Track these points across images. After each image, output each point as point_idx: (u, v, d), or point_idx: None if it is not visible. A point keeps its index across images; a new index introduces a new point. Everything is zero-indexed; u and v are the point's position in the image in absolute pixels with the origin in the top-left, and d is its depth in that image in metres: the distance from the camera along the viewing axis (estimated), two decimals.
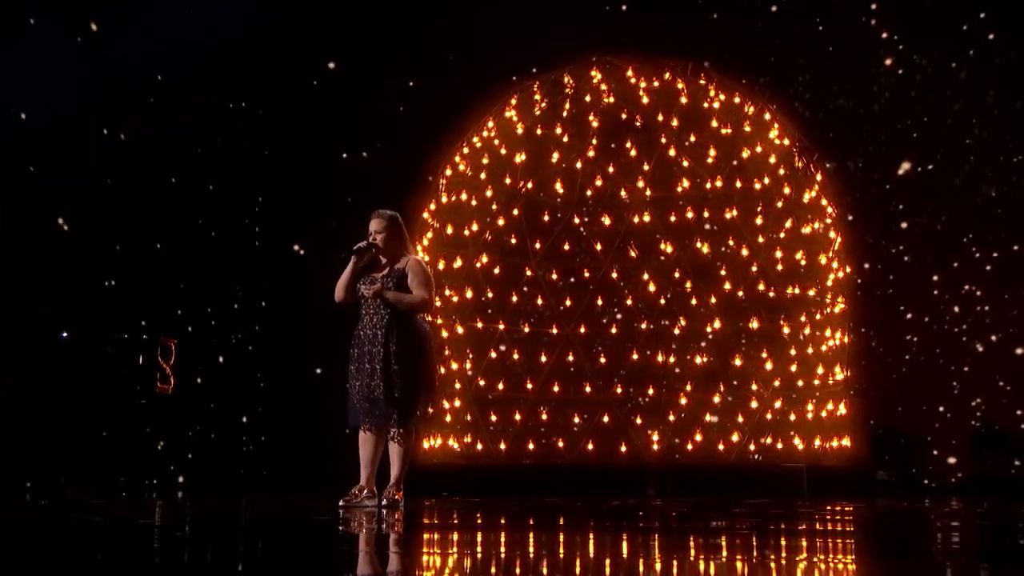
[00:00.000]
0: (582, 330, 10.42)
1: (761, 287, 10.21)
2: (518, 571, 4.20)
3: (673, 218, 10.35)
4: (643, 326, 10.33)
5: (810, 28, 11.44)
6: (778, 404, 10.04)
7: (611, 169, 10.53)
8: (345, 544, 5.16)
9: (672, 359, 10.21)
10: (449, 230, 10.59)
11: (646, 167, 10.43)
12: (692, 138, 10.45)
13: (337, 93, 11.34)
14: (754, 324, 10.14)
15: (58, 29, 10.48)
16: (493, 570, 4.21)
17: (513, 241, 10.56)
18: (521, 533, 5.80)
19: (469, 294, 10.47)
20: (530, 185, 10.61)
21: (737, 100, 10.65)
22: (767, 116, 10.63)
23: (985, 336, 11.08)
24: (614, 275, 10.39)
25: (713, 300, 10.18)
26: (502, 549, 4.95)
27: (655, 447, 10.09)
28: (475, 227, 10.59)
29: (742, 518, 6.66)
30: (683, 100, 10.53)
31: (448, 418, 10.29)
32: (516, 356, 10.43)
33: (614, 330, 10.45)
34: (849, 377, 10.21)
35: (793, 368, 10.11)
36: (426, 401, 7.38)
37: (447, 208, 10.68)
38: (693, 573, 4.13)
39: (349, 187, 11.04)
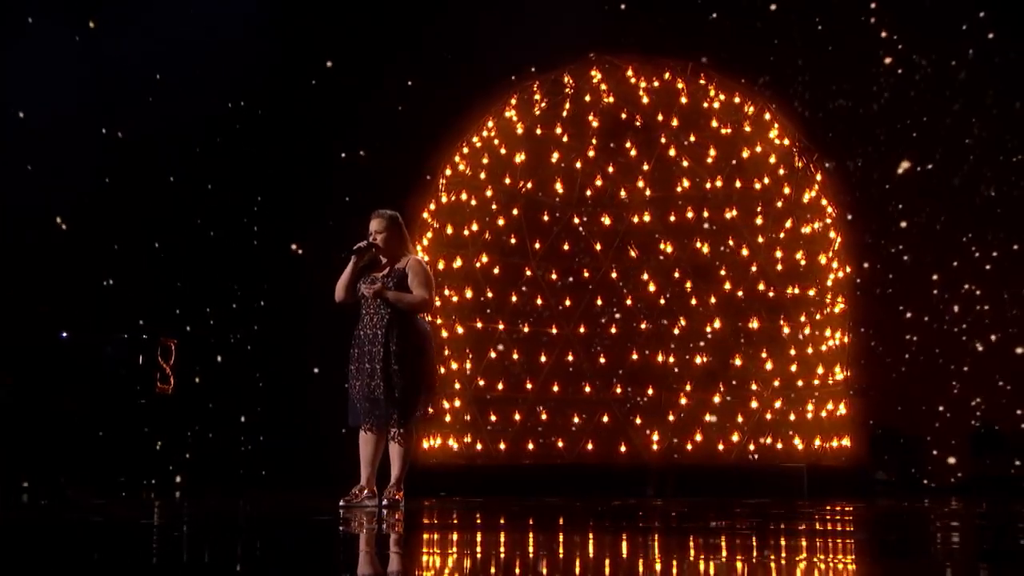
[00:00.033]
0: (582, 330, 10.42)
1: (761, 287, 10.21)
2: (517, 571, 4.20)
3: (673, 218, 10.35)
4: (643, 326, 10.33)
5: (809, 28, 11.44)
6: (778, 404, 10.05)
7: (611, 169, 10.52)
8: (346, 544, 5.16)
9: (672, 359, 10.21)
10: (449, 230, 10.59)
11: (646, 167, 10.43)
12: (692, 138, 10.45)
13: (337, 93, 11.34)
14: (754, 324, 10.15)
15: (58, 29, 10.48)
16: (493, 570, 4.22)
17: (513, 241, 10.55)
18: (520, 533, 5.80)
19: (469, 294, 10.47)
20: (530, 185, 10.61)
21: (737, 100, 10.66)
22: (767, 116, 10.63)
23: (985, 336, 11.08)
24: (614, 275, 10.39)
25: (713, 300, 10.18)
26: (501, 549, 4.95)
27: (655, 447, 10.09)
28: (475, 227, 10.59)
29: (742, 518, 6.66)
30: (683, 100, 10.54)
31: (448, 418, 10.28)
32: (515, 356, 10.43)
33: (614, 330, 10.45)
34: (849, 377, 10.22)
35: (793, 368, 10.12)
36: (426, 401, 7.37)
37: (447, 208, 10.68)
38: (693, 573, 4.14)
39: (349, 187, 11.05)
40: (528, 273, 10.47)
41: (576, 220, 10.54)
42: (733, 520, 6.49)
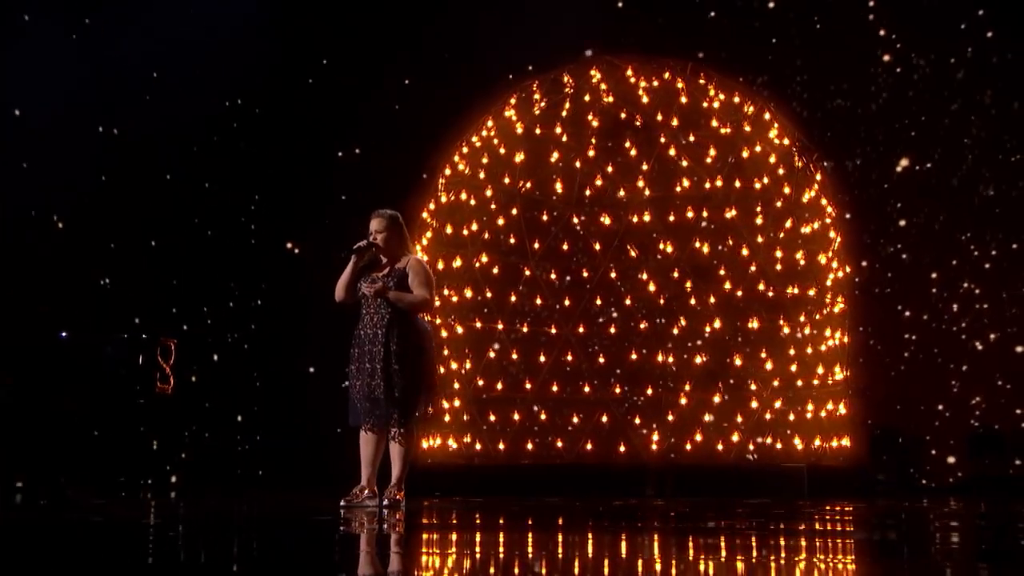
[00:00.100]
0: (581, 330, 10.42)
1: (761, 287, 10.22)
2: (517, 571, 4.20)
3: (672, 218, 10.35)
4: (642, 326, 10.33)
5: (808, 27, 11.45)
6: (778, 404, 10.05)
7: (610, 169, 10.53)
8: (346, 544, 5.16)
9: (671, 359, 10.21)
10: (448, 230, 10.60)
11: (645, 167, 10.43)
12: (692, 138, 10.46)
13: (337, 93, 11.34)
14: (754, 324, 10.15)
15: (57, 29, 10.48)
16: (492, 570, 4.22)
17: (512, 241, 10.55)
18: (520, 533, 5.81)
19: (468, 294, 10.47)
20: (529, 185, 10.61)
21: (737, 100, 10.66)
22: (767, 116, 10.64)
23: (984, 335, 11.09)
24: (613, 275, 10.39)
25: (712, 300, 10.18)
26: (501, 549, 4.96)
27: (654, 447, 10.09)
28: (474, 227, 10.59)
29: (742, 518, 6.67)
30: (683, 100, 10.54)
31: (447, 418, 10.28)
32: (515, 356, 10.43)
33: (613, 330, 10.45)
34: (848, 377, 10.22)
35: (793, 368, 10.12)
36: (426, 401, 7.37)
37: (446, 208, 10.68)
38: (693, 573, 4.14)
39: (349, 187, 11.06)
40: (527, 273, 10.47)
41: (575, 220, 10.54)
42: (733, 520, 6.49)
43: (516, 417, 10.34)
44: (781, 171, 10.43)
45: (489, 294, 10.47)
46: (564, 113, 10.69)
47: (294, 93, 11.48)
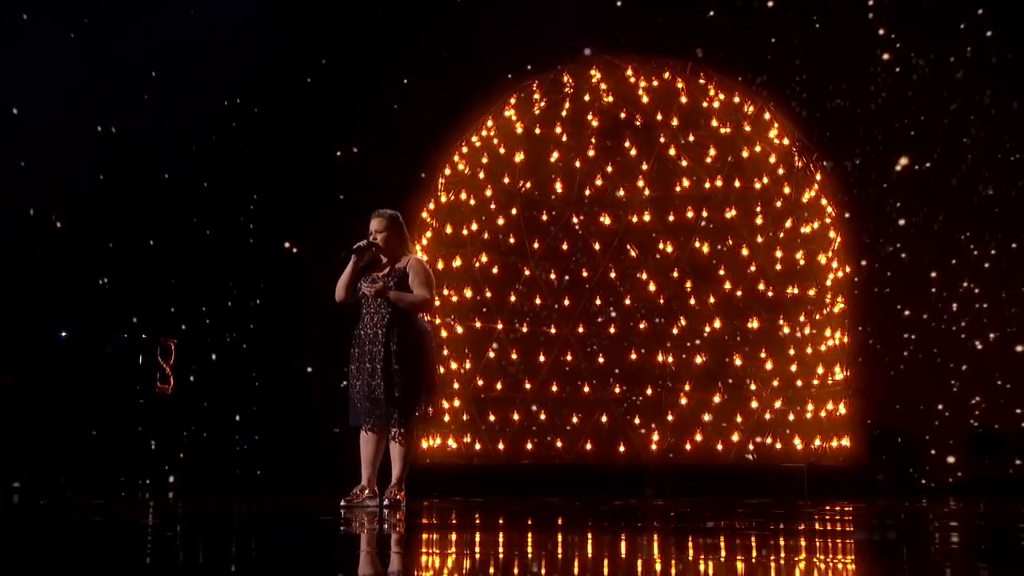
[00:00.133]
0: (580, 330, 10.42)
1: (760, 287, 10.22)
2: (516, 572, 4.20)
3: (672, 217, 10.35)
4: (642, 326, 10.33)
5: (807, 27, 11.45)
6: (778, 404, 10.05)
7: (610, 168, 10.53)
8: (347, 544, 5.16)
9: (671, 359, 10.21)
10: (448, 229, 10.60)
11: (645, 166, 10.44)
12: (691, 137, 10.46)
13: (337, 93, 11.34)
14: (753, 324, 10.15)
15: (57, 28, 10.47)
16: (492, 570, 4.22)
17: (512, 240, 10.55)
18: (520, 533, 5.81)
19: (468, 293, 10.47)
20: (529, 184, 10.61)
21: (737, 100, 10.67)
22: (767, 116, 10.64)
23: (983, 334, 11.09)
24: (612, 275, 10.39)
25: (712, 300, 10.19)
26: (500, 549, 4.96)
27: (654, 447, 10.10)
28: (474, 226, 10.59)
29: (742, 518, 6.67)
30: (683, 99, 10.54)
31: (447, 418, 10.28)
32: (514, 356, 10.43)
33: (612, 330, 10.45)
34: (848, 377, 10.23)
35: (793, 368, 10.12)
36: (427, 401, 7.37)
37: (446, 207, 10.69)
38: (693, 573, 4.14)
39: (348, 186, 11.06)
40: (527, 273, 10.47)
41: (575, 220, 10.54)
42: (733, 520, 6.49)
43: (516, 417, 10.34)
44: (781, 171, 10.44)
45: (489, 294, 10.47)
46: (564, 113, 10.70)
47: (294, 93, 11.48)
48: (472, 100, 10.78)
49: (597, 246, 10.43)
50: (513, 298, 10.46)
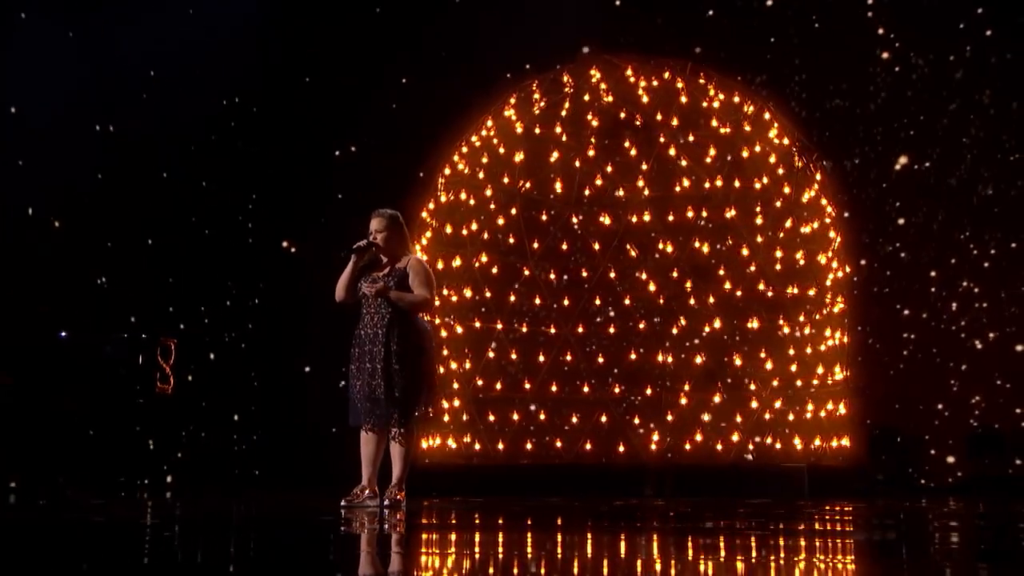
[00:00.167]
0: (580, 330, 10.42)
1: (760, 287, 10.22)
2: (516, 572, 4.21)
3: (672, 217, 10.35)
4: (641, 326, 10.34)
5: (807, 27, 11.45)
6: (778, 404, 10.05)
7: (610, 168, 10.53)
8: (347, 544, 5.17)
9: (670, 359, 10.21)
10: (448, 229, 10.60)
11: (645, 166, 10.44)
12: (691, 137, 10.46)
13: (336, 93, 11.35)
14: (753, 324, 10.15)
15: (57, 28, 10.47)
16: (492, 570, 4.23)
17: (511, 240, 10.55)
18: (519, 533, 5.81)
19: (468, 293, 10.47)
20: (528, 184, 10.61)
21: (736, 99, 10.67)
22: (767, 115, 10.64)
23: (983, 334, 11.09)
24: (612, 275, 10.39)
25: (712, 300, 10.19)
26: (500, 549, 4.96)
27: (653, 447, 10.09)
28: (474, 226, 10.59)
29: (742, 518, 6.67)
30: (682, 99, 10.54)
31: (446, 418, 10.28)
32: (514, 356, 10.43)
33: (612, 330, 10.45)
34: (848, 377, 10.23)
35: (793, 368, 10.12)
36: (427, 400, 7.36)
37: (446, 207, 10.69)
38: (693, 573, 4.15)
39: (348, 186, 11.06)
40: (526, 273, 10.47)
41: (575, 219, 10.54)
42: (733, 520, 6.50)
43: (515, 417, 10.34)
44: (781, 171, 10.44)
45: (488, 294, 10.47)
46: (564, 113, 10.70)
47: (293, 93, 11.48)
48: (472, 100, 10.78)
49: (597, 246, 10.43)
50: (513, 298, 10.46)
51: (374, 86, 11.32)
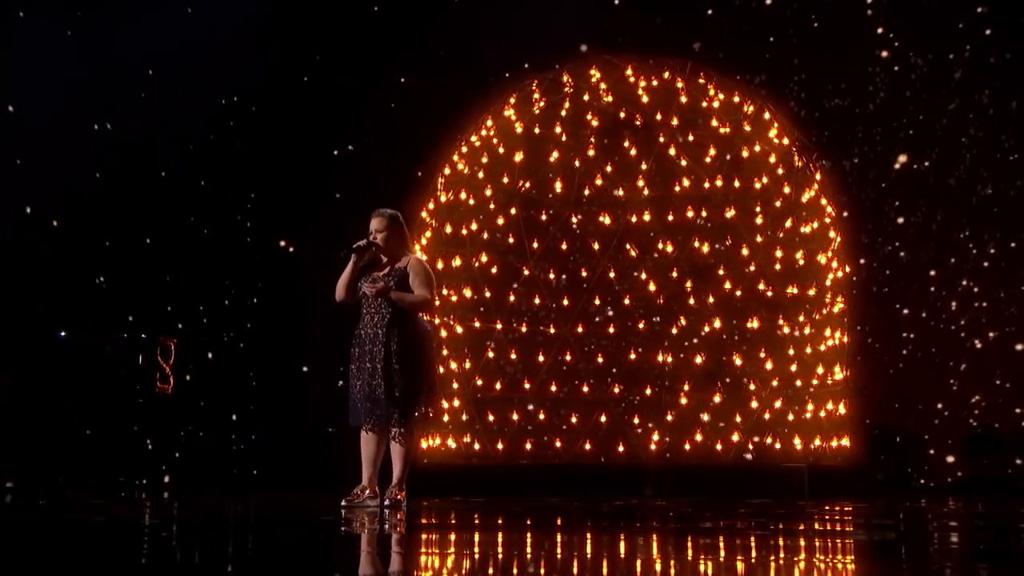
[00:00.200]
0: (579, 330, 10.42)
1: (760, 287, 10.23)
2: (516, 572, 4.21)
3: (672, 217, 10.36)
4: (640, 326, 10.34)
5: (806, 26, 11.45)
6: (777, 404, 10.05)
7: (609, 168, 10.53)
8: (348, 544, 5.17)
9: (670, 359, 10.21)
10: (447, 229, 10.60)
11: (644, 166, 10.44)
12: (691, 137, 10.47)
13: (336, 92, 11.34)
14: (753, 324, 10.16)
15: (56, 28, 10.47)
16: (492, 571, 4.23)
17: (511, 240, 10.55)
18: (519, 533, 5.81)
19: (467, 293, 10.48)
20: (528, 184, 10.61)
21: (736, 99, 10.67)
22: (767, 115, 10.64)
23: (983, 333, 11.09)
24: (612, 275, 10.39)
25: (712, 299, 10.19)
26: (500, 550, 4.96)
27: (653, 447, 10.10)
28: (473, 226, 10.60)
29: (742, 518, 6.67)
30: (682, 99, 10.55)
31: (446, 418, 10.28)
32: (513, 356, 10.43)
33: (611, 330, 10.45)
34: (848, 377, 10.23)
35: (792, 368, 10.13)
36: (427, 400, 7.37)
37: (445, 207, 10.69)
38: (692, 573, 4.15)
39: (348, 186, 11.06)
40: (526, 272, 10.47)
41: (574, 219, 10.54)
42: (733, 520, 6.50)
43: (515, 417, 10.34)
44: (780, 171, 10.44)
45: (488, 294, 10.47)
46: (563, 112, 10.70)
47: (293, 93, 11.48)
48: (472, 100, 10.78)
49: (596, 246, 10.43)
50: (512, 298, 10.46)
51: (374, 86, 11.32)
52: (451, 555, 4.79)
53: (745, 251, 10.26)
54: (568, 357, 10.37)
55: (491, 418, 10.36)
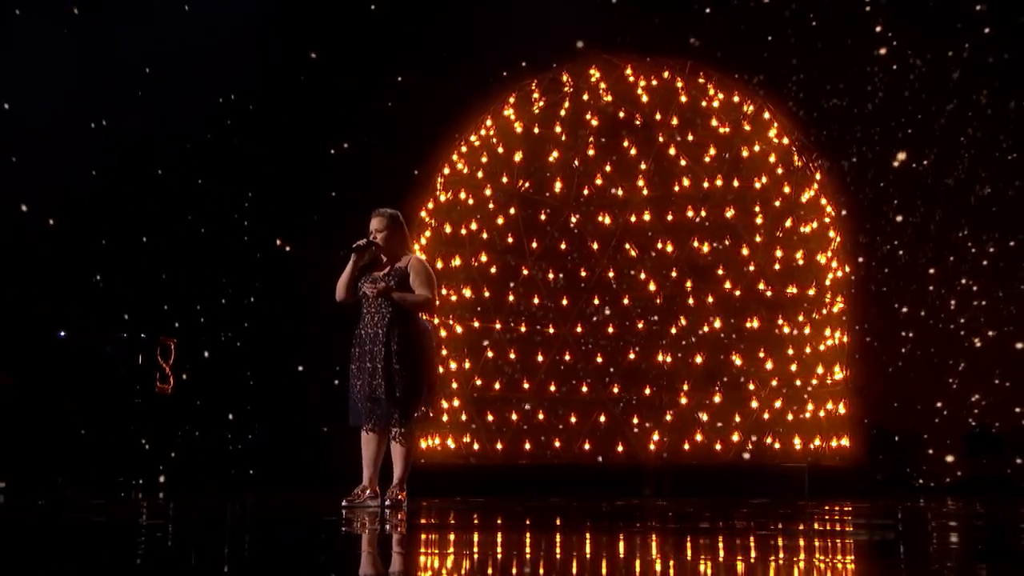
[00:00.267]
0: (579, 330, 10.42)
1: (760, 286, 10.23)
2: (515, 572, 4.21)
3: (671, 217, 10.36)
4: (640, 325, 10.34)
5: (804, 26, 11.46)
6: (777, 404, 10.06)
7: (609, 168, 10.54)
8: (348, 544, 5.17)
9: (669, 358, 10.21)
10: (447, 229, 10.61)
11: (644, 166, 10.45)
12: (691, 137, 10.47)
13: (336, 92, 11.35)
14: (752, 323, 10.16)
15: (56, 28, 10.47)
16: (491, 571, 4.23)
17: (510, 240, 10.56)
18: (519, 534, 5.82)
19: (467, 293, 10.48)
20: (527, 184, 10.62)
21: (736, 99, 10.67)
22: (766, 115, 10.65)
23: (982, 332, 11.09)
24: (611, 274, 10.40)
25: (711, 299, 10.20)
26: (499, 550, 4.97)
27: (652, 447, 10.10)
28: (473, 226, 10.60)
29: (742, 518, 6.68)
30: (682, 99, 10.55)
31: (445, 418, 10.28)
32: (512, 356, 10.43)
33: (611, 329, 10.45)
34: (848, 376, 10.23)
35: (792, 367, 10.13)
36: (427, 400, 7.37)
37: (445, 207, 10.69)
38: (692, 573, 4.15)
39: (348, 186, 11.06)
40: (525, 272, 10.48)
41: (573, 219, 10.55)
42: (733, 520, 6.50)
43: (514, 417, 10.34)
44: (780, 170, 10.45)
45: (487, 293, 10.48)
46: (563, 112, 10.71)
47: (293, 92, 11.48)
48: (471, 99, 10.79)
49: (596, 246, 10.44)
50: (511, 298, 10.47)
51: (374, 86, 11.32)
52: (451, 555, 4.79)
53: (745, 251, 10.27)
54: (567, 357, 10.38)
55: (490, 418, 10.36)
